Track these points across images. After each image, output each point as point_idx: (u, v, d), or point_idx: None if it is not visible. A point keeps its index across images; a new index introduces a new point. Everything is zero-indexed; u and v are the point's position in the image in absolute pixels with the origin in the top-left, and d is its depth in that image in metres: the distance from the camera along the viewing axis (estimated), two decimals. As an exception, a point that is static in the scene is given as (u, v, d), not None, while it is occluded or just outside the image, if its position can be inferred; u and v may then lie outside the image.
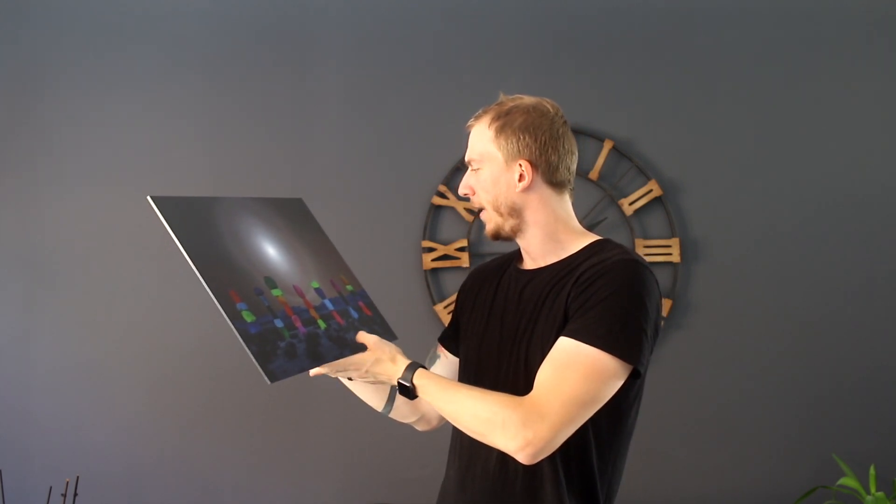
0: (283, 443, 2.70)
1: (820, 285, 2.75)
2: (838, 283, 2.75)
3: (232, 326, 1.17)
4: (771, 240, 2.76)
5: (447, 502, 1.40)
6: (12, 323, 2.72)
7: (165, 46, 2.81)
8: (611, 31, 2.84)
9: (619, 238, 2.72)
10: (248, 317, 1.20)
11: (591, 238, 1.35)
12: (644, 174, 2.77)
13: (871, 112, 2.81)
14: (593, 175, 2.76)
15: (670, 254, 2.74)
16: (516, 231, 1.35)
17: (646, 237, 2.77)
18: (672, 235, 2.75)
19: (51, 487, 2.35)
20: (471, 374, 1.40)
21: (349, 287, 1.41)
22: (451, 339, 1.51)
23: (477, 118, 1.37)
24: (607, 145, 2.76)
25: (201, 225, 1.27)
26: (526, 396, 1.19)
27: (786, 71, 2.81)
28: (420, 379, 1.26)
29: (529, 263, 1.39)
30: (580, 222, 1.40)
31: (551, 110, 1.36)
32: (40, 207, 2.75)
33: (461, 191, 1.39)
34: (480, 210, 1.38)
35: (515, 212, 1.33)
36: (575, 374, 1.18)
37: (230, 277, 1.23)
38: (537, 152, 1.32)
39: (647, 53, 2.83)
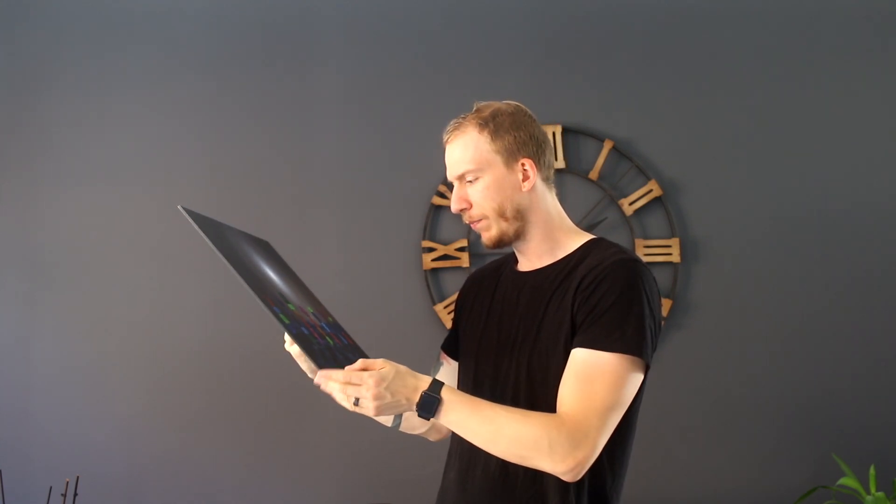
0: (283, 443, 2.70)
1: (820, 285, 2.74)
2: (838, 283, 2.74)
3: (280, 323, 1.16)
4: (771, 239, 2.76)
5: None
6: (12, 323, 2.72)
7: (165, 46, 2.81)
8: (611, 31, 2.84)
9: (619, 238, 2.72)
10: (285, 319, 1.19)
11: (586, 237, 1.35)
12: (644, 174, 2.77)
13: (872, 113, 2.80)
14: (593, 175, 2.76)
15: (670, 254, 2.74)
16: (520, 234, 1.33)
17: (646, 237, 2.77)
18: (672, 235, 2.75)
19: (51, 487, 2.36)
20: (469, 378, 1.40)
21: (330, 319, 1.41)
22: (452, 345, 1.51)
23: (457, 129, 1.33)
24: (607, 145, 2.76)
25: (227, 240, 1.27)
26: (563, 415, 1.17)
27: (786, 71, 2.81)
28: (449, 394, 1.18)
29: (526, 265, 1.39)
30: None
31: (528, 110, 1.37)
32: (40, 207, 2.75)
33: (456, 206, 1.34)
34: (479, 220, 1.33)
35: (520, 214, 1.32)
36: (602, 384, 1.18)
37: (261, 285, 1.22)
38: (535, 148, 1.33)
39: (647, 53, 2.83)
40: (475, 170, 1.31)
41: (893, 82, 2.82)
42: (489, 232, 1.33)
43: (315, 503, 2.68)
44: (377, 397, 1.14)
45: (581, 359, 1.20)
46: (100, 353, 2.71)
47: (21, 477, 2.59)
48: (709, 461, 2.70)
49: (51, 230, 2.74)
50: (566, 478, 1.17)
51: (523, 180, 1.32)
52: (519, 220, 1.32)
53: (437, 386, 1.17)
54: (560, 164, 2.75)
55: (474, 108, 1.35)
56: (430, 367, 1.54)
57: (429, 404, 1.16)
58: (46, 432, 2.67)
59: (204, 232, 1.20)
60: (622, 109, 2.81)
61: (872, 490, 2.40)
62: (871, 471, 2.43)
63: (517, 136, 1.31)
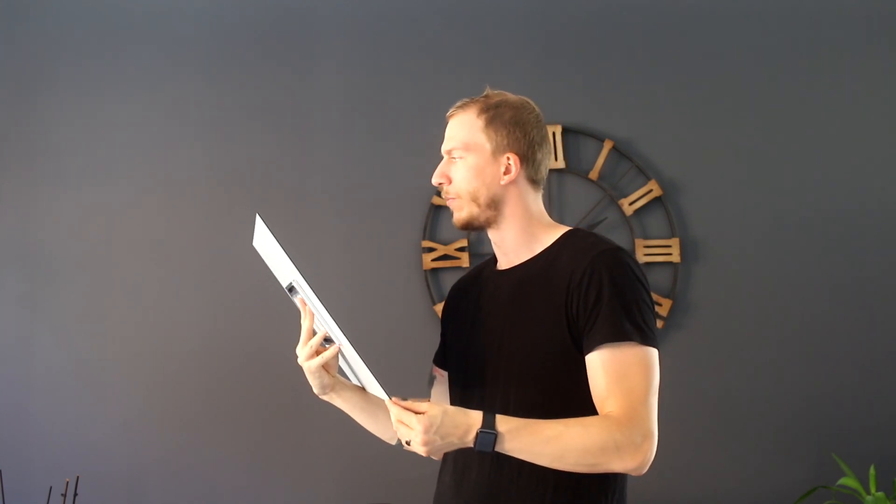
0: (283, 443, 2.70)
1: (820, 285, 2.74)
2: (838, 283, 2.74)
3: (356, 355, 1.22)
4: (771, 239, 2.76)
5: None
6: (12, 323, 2.72)
7: (165, 46, 2.81)
8: (611, 30, 2.84)
9: (620, 238, 2.72)
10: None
11: (561, 230, 1.37)
12: (644, 174, 2.76)
13: (872, 113, 2.80)
14: (593, 175, 2.76)
15: (670, 254, 2.74)
16: (490, 223, 1.36)
17: (646, 237, 2.77)
18: (672, 235, 2.75)
19: (51, 487, 2.35)
20: (459, 379, 1.41)
21: None
22: (443, 357, 1.52)
23: (462, 107, 1.37)
24: (607, 145, 2.76)
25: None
26: (616, 413, 1.18)
27: (786, 71, 2.81)
28: (505, 425, 1.15)
29: (504, 262, 1.40)
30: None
31: (536, 109, 1.38)
32: (40, 207, 2.75)
33: (435, 179, 1.38)
34: (454, 199, 1.37)
35: (494, 204, 1.34)
36: (636, 374, 1.20)
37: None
38: (526, 147, 1.35)
39: (647, 53, 2.82)
40: (461, 149, 1.35)
41: (893, 82, 2.81)
42: (460, 213, 1.37)
43: (315, 503, 2.68)
44: (427, 443, 1.14)
45: (604, 358, 1.22)
46: (100, 352, 2.71)
47: (21, 477, 2.58)
48: (709, 461, 2.70)
49: (51, 230, 2.74)
50: (636, 473, 1.20)
51: (504, 174, 1.34)
52: (492, 210, 1.35)
53: (490, 420, 1.16)
54: (560, 164, 2.75)
55: (484, 93, 1.39)
56: (426, 382, 1.54)
57: (487, 442, 1.15)
58: (46, 432, 2.67)
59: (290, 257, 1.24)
60: (622, 109, 2.81)
61: (872, 490, 2.39)
62: (871, 471, 2.43)
63: (511, 132, 1.34)
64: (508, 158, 1.34)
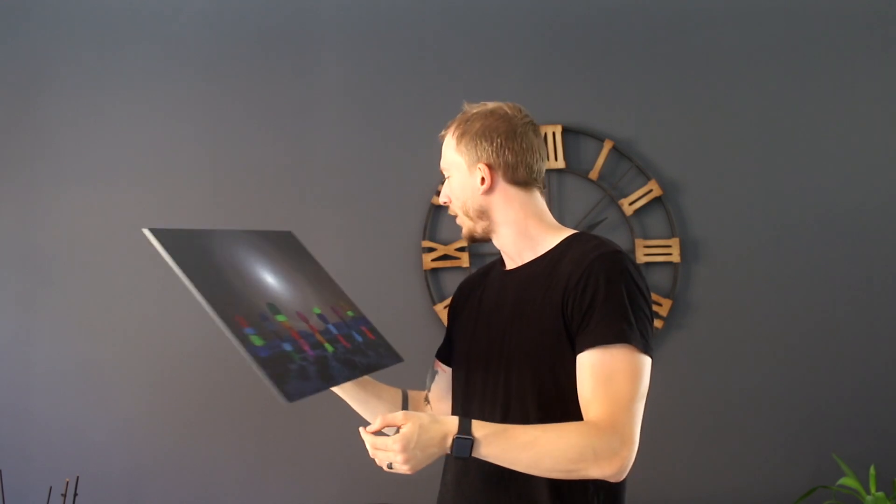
0: (283, 443, 2.70)
1: (820, 285, 2.75)
2: (838, 283, 2.74)
3: (243, 350, 1.16)
4: (771, 240, 2.76)
5: None
6: (12, 323, 2.72)
7: (165, 46, 2.81)
8: (611, 31, 2.84)
9: (619, 238, 2.72)
10: (257, 341, 1.19)
11: (566, 232, 1.38)
12: (644, 174, 2.77)
13: (873, 113, 2.80)
14: (593, 175, 2.76)
15: (670, 254, 2.74)
16: (489, 232, 1.40)
17: (646, 237, 2.77)
18: (672, 235, 2.75)
19: (51, 487, 2.36)
20: (461, 375, 1.42)
21: (350, 313, 1.41)
22: (446, 353, 1.53)
23: (447, 129, 1.42)
24: (607, 145, 2.76)
25: (200, 255, 1.28)
26: (596, 420, 1.18)
27: (786, 71, 2.81)
28: (481, 430, 1.15)
29: (510, 263, 1.42)
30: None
31: (510, 112, 1.39)
32: (40, 207, 2.75)
33: (441, 200, 1.44)
34: (454, 216, 1.43)
35: (483, 214, 1.38)
36: (621, 379, 1.20)
37: (235, 304, 1.23)
38: (493, 154, 1.36)
39: (647, 53, 2.83)
40: (446, 169, 1.42)
41: (894, 83, 2.82)
42: (463, 228, 1.42)
43: (315, 503, 2.68)
44: (408, 461, 1.13)
45: (593, 360, 1.21)
46: (99, 352, 2.71)
47: (21, 477, 2.58)
48: (709, 461, 2.70)
49: (50, 230, 2.74)
50: (613, 479, 1.18)
51: (481, 184, 1.36)
52: (484, 220, 1.38)
53: (466, 426, 1.15)
54: (560, 164, 2.75)
55: (462, 110, 1.42)
56: (426, 376, 1.54)
57: (463, 448, 1.14)
58: (46, 432, 2.67)
59: (170, 252, 1.20)
60: (622, 109, 2.81)
61: (872, 490, 2.40)
62: (871, 471, 2.43)
63: (478, 143, 1.36)
64: (480, 169, 1.36)
